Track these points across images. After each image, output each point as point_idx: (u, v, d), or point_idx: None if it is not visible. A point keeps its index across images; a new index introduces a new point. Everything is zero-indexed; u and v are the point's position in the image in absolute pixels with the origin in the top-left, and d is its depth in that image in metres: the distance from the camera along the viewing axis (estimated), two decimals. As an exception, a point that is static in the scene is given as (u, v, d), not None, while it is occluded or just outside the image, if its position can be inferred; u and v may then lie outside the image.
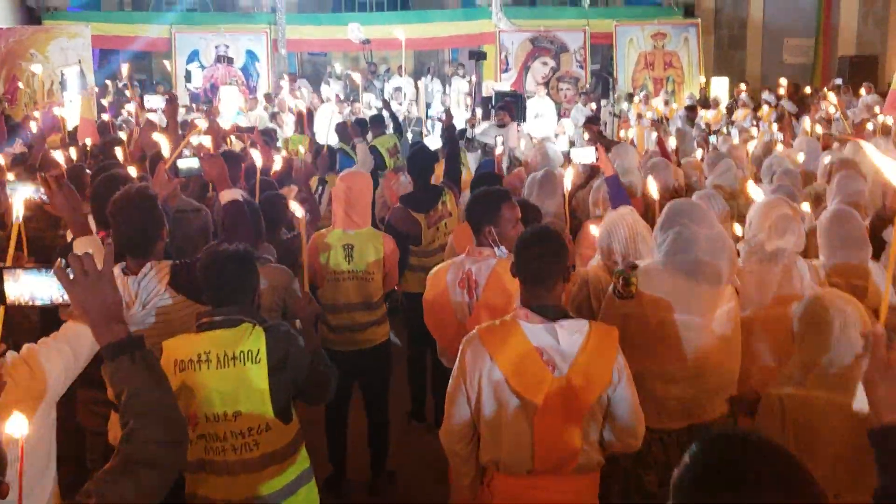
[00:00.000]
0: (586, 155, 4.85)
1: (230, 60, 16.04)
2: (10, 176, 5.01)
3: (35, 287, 2.09)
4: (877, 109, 11.60)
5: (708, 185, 6.12)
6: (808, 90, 15.70)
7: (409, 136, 11.79)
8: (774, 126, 9.68)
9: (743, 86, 16.21)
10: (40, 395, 2.25)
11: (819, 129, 8.62)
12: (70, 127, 8.58)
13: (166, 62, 14.88)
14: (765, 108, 13.16)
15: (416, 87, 14.92)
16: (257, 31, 17.17)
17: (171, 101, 4.91)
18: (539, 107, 14.10)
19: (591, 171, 5.90)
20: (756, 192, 4.57)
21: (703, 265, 3.22)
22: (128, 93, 12.39)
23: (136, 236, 3.18)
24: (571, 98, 17.05)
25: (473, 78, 16.47)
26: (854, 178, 5.06)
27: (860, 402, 2.66)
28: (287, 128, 10.74)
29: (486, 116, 10.89)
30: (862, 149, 6.39)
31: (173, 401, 2.07)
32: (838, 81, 15.39)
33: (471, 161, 9.24)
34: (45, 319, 3.29)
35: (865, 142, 5.70)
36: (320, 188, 6.33)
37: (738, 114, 13.69)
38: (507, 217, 3.64)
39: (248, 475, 2.86)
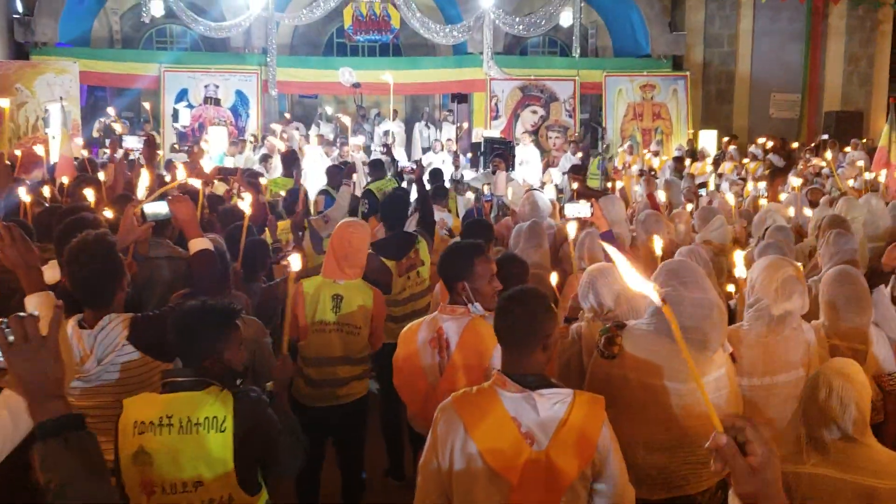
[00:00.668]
0: (580, 210, 4.70)
1: (216, 101, 15.96)
2: None
3: None
4: (860, 164, 11.65)
5: (698, 239, 6.02)
6: (794, 145, 15.81)
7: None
8: (761, 184, 9.64)
9: (729, 139, 16.30)
10: None
11: (798, 183, 8.57)
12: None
13: (145, 104, 14.73)
14: (751, 161, 13.20)
15: (407, 133, 14.87)
16: (248, 71, 17.13)
17: (149, 144, 4.72)
18: (524, 154, 14.08)
19: (580, 224, 5.77)
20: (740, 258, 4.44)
21: (687, 330, 3.06)
22: (118, 126, 12.27)
23: (92, 287, 2.98)
24: (560, 146, 17.09)
25: (465, 124, 16.55)
26: (846, 236, 4.96)
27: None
28: (275, 171, 10.61)
29: (474, 163, 10.82)
30: (852, 206, 6.33)
31: (111, 497, 1.85)
32: (825, 137, 15.51)
33: (460, 205, 9.14)
34: None
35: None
36: (300, 233, 6.16)
37: (726, 166, 13.72)
38: (480, 272, 3.47)
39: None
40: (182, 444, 2.60)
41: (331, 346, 4.37)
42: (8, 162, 7.17)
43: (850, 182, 8.93)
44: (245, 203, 4.57)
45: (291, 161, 8.11)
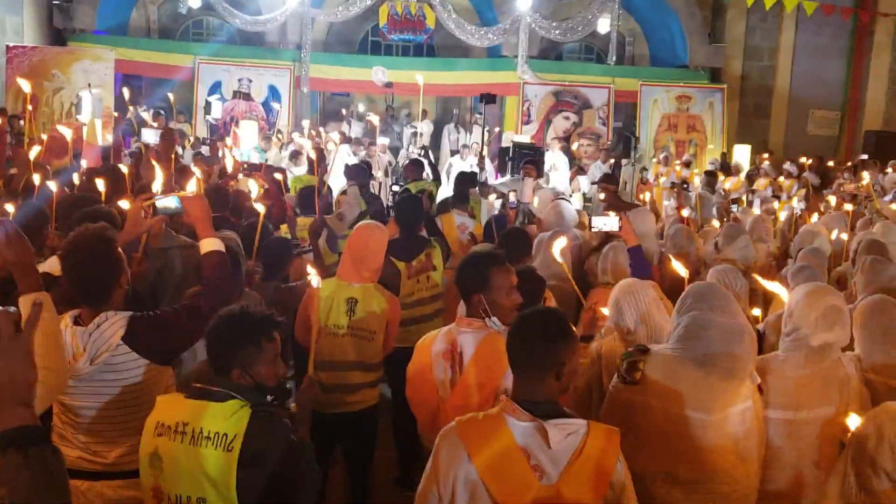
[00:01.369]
0: (608, 223, 4.52)
1: (246, 96, 15.95)
2: None
3: None
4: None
5: (719, 257, 5.83)
6: (831, 163, 15.44)
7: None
8: (796, 200, 9.36)
9: (766, 154, 15.97)
10: None
11: (847, 206, 8.31)
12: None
13: (170, 95, 14.72)
14: (787, 179, 12.89)
15: (436, 135, 14.72)
16: (282, 66, 17.13)
17: (166, 137, 4.61)
18: (554, 160, 13.88)
19: (606, 237, 5.61)
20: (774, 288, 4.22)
21: (715, 357, 2.89)
22: (146, 116, 12.26)
23: (88, 283, 2.87)
24: (591, 154, 16.86)
25: (497, 128, 16.38)
26: (883, 263, 4.74)
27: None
28: (302, 168, 10.54)
29: (501, 167, 10.66)
30: (891, 230, 6.09)
31: None
32: (864, 156, 15.13)
33: (483, 209, 8.98)
34: None
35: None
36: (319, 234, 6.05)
37: (759, 183, 13.42)
38: (498, 284, 3.28)
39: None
40: (189, 456, 2.50)
41: (343, 351, 4.24)
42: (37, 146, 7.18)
43: (894, 206, 8.64)
44: (258, 204, 4.46)
45: (318, 159, 7.99)
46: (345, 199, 6.53)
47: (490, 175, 12.25)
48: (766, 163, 14.79)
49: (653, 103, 17.29)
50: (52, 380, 2.40)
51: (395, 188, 8.21)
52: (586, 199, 12.41)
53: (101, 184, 4.44)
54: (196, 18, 19.42)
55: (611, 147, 16.11)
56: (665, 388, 2.95)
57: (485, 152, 12.52)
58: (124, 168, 5.82)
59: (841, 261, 5.87)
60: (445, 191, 11.19)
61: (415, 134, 15.03)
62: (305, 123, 14.76)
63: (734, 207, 9.00)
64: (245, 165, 7.93)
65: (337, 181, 9.72)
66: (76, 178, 6.25)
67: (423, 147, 11.29)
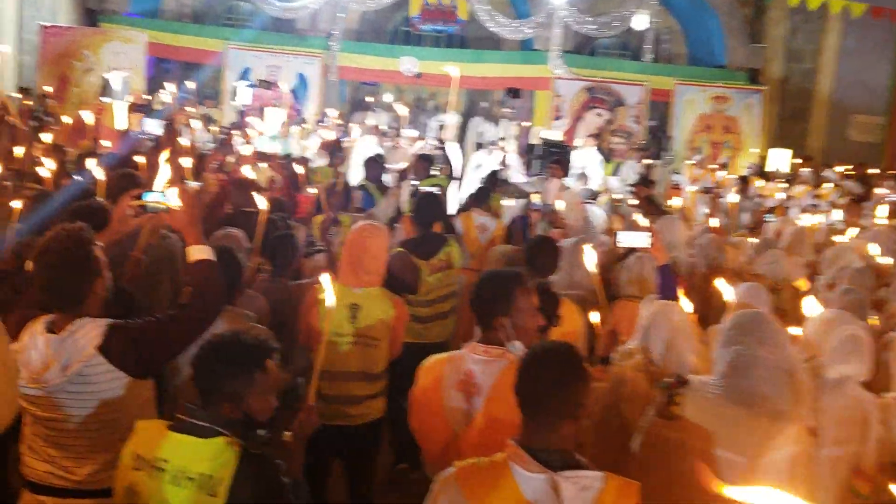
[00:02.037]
0: (636, 240, 4.20)
1: (267, 84, 15.72)
2: None
3: None
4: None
5: (746, 270, 5.54)
6: (873, 171, 14.90)
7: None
8: (837, 212, 8.93)
9: (805, 160, 15.46)
10: None
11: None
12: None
13: (193, 81, 14.56)
14: (826, 185, 12.43)
15: (463, 127, 14.40)
16: (311, 54, 16.93)
17: (169, 129, 4.37)
18: (585, 159, 13.53)
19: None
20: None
21: (759, 396, 2.63)
22: (166, 96, 12.05)
23: (60, 287, 2.64)
24: (622, 153, 16.49)
25: (525, 123, 16.05)
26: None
27: None
28: (321, 159, 10.29)
29: (527, 165, 10.35)
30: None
31: None
32: (908, 165, 14.59)
33: (506, 210, 8.70)
34: None
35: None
36: (334, 230, 5.83)
37: (797, 189, 12.95)
38: (523, 306, 2.99)
39: None
40: (170, 497, 2.26)
41: (346, 360, 3.99)
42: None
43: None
44: (260, 197, 4.23)
45: (333, 151, 7.78)
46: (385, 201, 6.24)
47: (517, 172, 11.93)
48: (807, 169, 14.30)
49: (688, 103, 16.84)
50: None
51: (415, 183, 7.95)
52: (616, 200, 12.05)
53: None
54: (229, 3, 19.31)
55: (643, 146, 15.72)
56: (704, 427, 2.70)
57: (510, 148, 12.19)
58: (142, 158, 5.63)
59: (882, 282, 5.50)
60: (464, 187, 10.92)
61: (440, 127, 14.76)
62: (331, 112, 14.51)
63: (769, 217, 8.62)
64: (257, 154, 7.66)
65: (357, 176, 9.48)
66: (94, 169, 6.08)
67: (440, 140, 10.98)
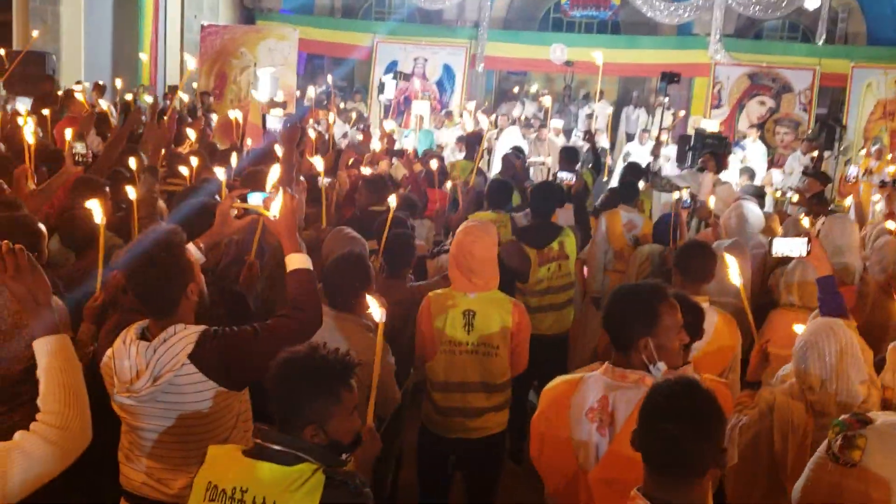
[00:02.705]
0: (794, 248, 3.62)
1: (406, 77, 15.65)
2: None
3: None
4: None
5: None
6: None
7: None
8: None
9: None
10: None
11: None
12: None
13: (330, 77, 14.66)
14: None
15: (615, 117, 13.75)
16: (457, 44, 16.82)
17: (292, 127, 4.19)
18: (747, 153, 12.57)
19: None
20: None
21: None
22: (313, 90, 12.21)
23: (150, 293, 2.50)
24: (788, 144, 15.28)
25: (682, 112, 15.19)
26: None
27: None
28: (461, 152, 10.06)
29: (680, 157, 9.66)
30: None
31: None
32: None
33: (656, 205, 8.11)
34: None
35: None
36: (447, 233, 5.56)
37: None
38: (668, 324, 2.55)
39: None
40: None
41: (463, 370, 3.71)
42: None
43: None
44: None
45: (473, 143, 7.48)
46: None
47: (671, 164, 11.22)
48: None
49: (866, 87, 15.32)
50: (67, 442, 2.02)
51: (562, 174, 7.55)
52: (780, 195, 11.08)
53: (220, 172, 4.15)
54: (377, -3, 19.58)
55: (812, 136, 14.45)
56: (891, 479, 2.22)
57: (664, 138, 11.48)
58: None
59: None
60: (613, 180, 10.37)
61: (589, 116, 14.20)
62: (471, 105, 14.26)
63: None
64: (388, 151, 7.47)
65: (497, 169, 9.16)
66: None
67: (587, 132, 10.42)
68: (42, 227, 3.34)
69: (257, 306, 3.69)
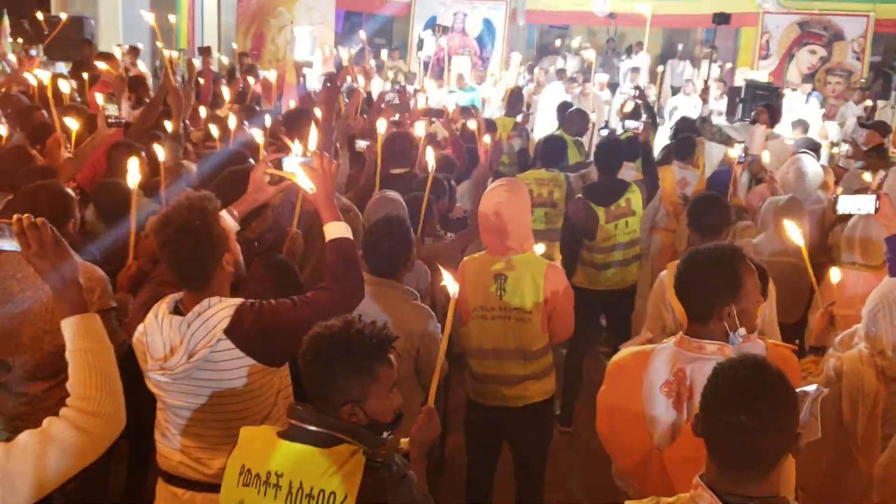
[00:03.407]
0: (861, 205, 3.40)
1: (444, 30, 15.32)
2: None
3: None
4: None
5: None
6: None
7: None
8: None
9: None
10: None
11: None
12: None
13: (362, 32, 14.37)
14: None
15: (657, 70, 13.31)
16: (497, -1, 16.45)
17: (330, 87, 3.99)
18: (798, 103, 12.11)
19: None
20: None
21: None
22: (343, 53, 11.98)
23: (183, 264, 2.37)
24: (840, 94, 14.75)
25: (728, 64, 14.69)
26: None
27: None
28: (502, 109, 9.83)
29: (730, 110, 9.33)
30: None
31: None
32: None
33: (707, 160, 7.83)
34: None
35: None
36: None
37: None
38: (750, 287, 2.38)
39: None
40: None
41: (494, 336, 3.57)
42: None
43: None
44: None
45: (515, 100, 7.25)
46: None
47: (721, 118, 10.87)
48: None
49: (925, 33, 14.67)
50: (99, 428, 1.90)
51: (604, 132, 7.33)
52: (834, 145, 10.68)
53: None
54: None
55: (865, 85, 13.88)
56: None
57: (714, 91, 11.11)
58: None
59: None
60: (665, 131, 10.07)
61: (634, 70, 13.81)
62: (515, 57, 13.92)
63: None
64: (427, 111, 7.26)
65: (541, 126, 8.93)
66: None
67: (637, 87, 10.07)
68: (71, 192, 3.26)
69: (305, 279, 3.60)
